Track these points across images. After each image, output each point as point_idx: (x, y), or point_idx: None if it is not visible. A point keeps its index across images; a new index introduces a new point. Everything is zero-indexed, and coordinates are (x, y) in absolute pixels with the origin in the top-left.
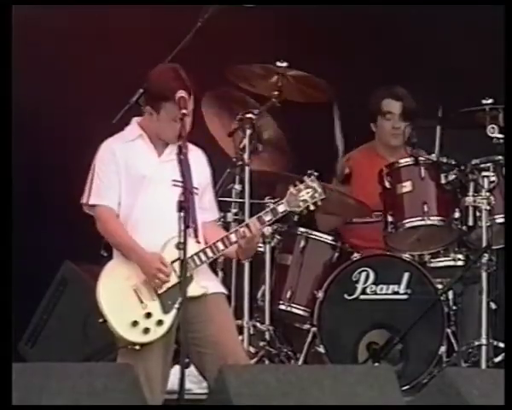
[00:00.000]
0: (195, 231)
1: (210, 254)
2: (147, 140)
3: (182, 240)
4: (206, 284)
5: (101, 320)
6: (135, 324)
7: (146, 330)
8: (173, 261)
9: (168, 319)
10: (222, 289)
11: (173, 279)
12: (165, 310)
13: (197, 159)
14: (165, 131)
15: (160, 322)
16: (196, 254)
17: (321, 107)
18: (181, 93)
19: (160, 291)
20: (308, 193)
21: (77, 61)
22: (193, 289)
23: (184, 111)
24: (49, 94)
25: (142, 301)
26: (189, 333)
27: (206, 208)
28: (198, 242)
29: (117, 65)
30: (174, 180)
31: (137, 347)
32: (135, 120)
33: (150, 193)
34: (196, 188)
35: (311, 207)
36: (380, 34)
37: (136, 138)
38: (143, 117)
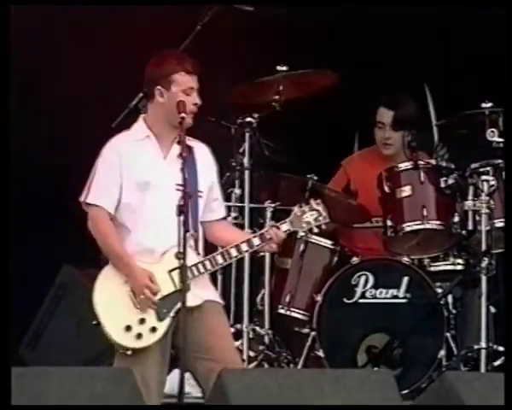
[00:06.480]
0: (196, 241)
1: (209, 266)
2: (154, 141)
3: (182, 244)
4: (202, 291)
5: (94, 322)
6: (128, 328)
7: (139, 336)
8: (172, 270)
9: (162, 326)
10: (218, 299)
11: (170, 288)
12: (160, 317)
13: (204, 157)
14: (175, 110)
15: (153, 329)
16: (195, 265)
17: (322, 105)
18: (180, 96)
19: (155, 299)
20: (312, 215)
21: (76, 65)
22: (189, 300)
23: (183, 115)
24: (49, 98)
25: (136, 307)
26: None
27: (214, 208)
28: (198, 253)
29: (117, 69)
30: (178, 184)
31: (129, 352)
32: (142, 117)
33: (154, 197)
34: (201, 191)
35: (315, 230)
36: (381, 36)
37: (144, 139)
38: (148, 113)
